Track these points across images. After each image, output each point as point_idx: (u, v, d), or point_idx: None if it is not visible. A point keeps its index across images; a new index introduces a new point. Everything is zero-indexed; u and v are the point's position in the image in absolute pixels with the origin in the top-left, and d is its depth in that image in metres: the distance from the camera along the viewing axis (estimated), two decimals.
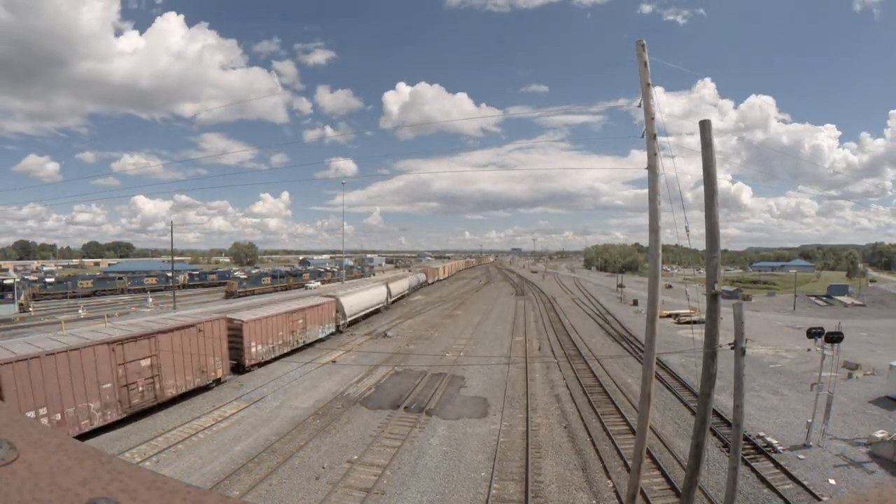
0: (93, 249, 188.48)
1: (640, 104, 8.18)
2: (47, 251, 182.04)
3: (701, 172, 7.93)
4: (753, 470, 13.20)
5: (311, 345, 29.71)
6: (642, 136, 8.27)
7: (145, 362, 17.31)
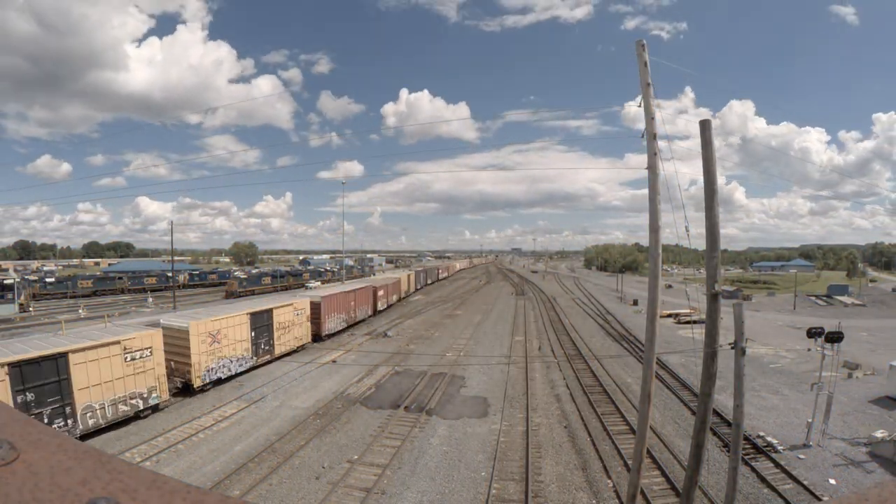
0: (93, 249, 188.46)
1: (640, 104, 8.18)
2: (47, 251, 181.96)
3: (697, 173, 7.95)
4: (753, 470, 13.20)
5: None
6: (642, 137, 8.27)
7: None
